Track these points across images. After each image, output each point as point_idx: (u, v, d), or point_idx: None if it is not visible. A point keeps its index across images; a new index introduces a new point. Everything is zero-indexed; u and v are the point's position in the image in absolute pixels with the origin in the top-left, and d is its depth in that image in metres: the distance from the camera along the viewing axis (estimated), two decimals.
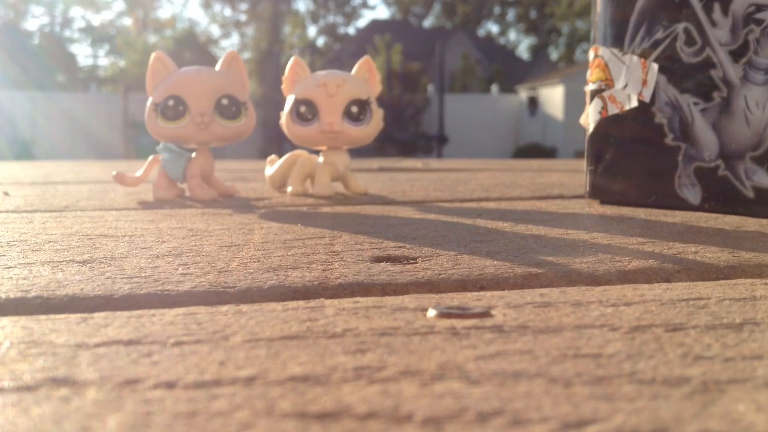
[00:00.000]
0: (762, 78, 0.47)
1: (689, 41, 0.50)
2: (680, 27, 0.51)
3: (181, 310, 0.22)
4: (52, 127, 6.56)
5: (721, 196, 0.49)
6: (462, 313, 0.21)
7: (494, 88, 9.25)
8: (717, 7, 0.49)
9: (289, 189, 0.62)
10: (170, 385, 0.15)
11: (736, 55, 0.48)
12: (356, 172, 0.76)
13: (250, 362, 0.17)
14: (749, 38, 0.47)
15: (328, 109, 0.59)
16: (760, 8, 0.47)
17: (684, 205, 0.51)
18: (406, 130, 7.88)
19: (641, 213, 0.49)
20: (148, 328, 0.20)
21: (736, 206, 0.49)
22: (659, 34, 0.52)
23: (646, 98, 0.53)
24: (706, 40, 0.49)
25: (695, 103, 0.50)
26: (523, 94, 8.83)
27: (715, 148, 0.50)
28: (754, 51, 0.47)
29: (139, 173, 0.63)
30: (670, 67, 0.51)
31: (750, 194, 0.48)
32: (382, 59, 7.85)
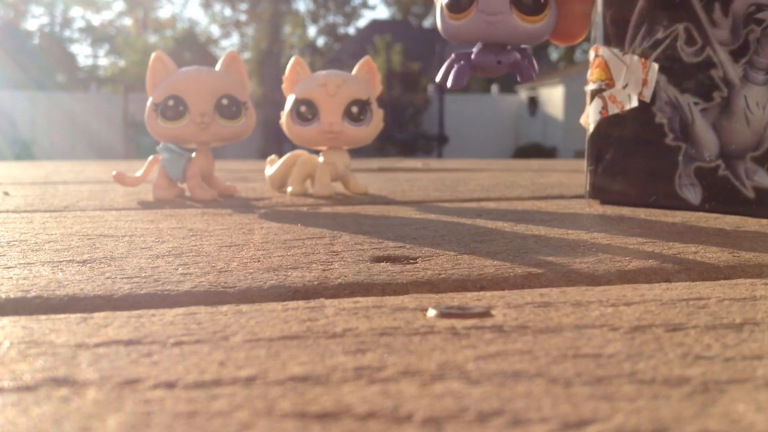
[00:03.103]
0: (762, 78, 0.47)
1: (690, 41, 0.50)
2: (681, 27, 0.51)
3: (181, 310, 0.22)
4: (52, 127, 6.55)
5: (722, 196, 0.49)
6: (462, 313, 0.21)
7: (494, 88, 9.24)
8: (717, 6, 0.49)
9: (289, 189, 0.62)
10: (170, 385, 0.15)
11: (737, 54, 0.48)
12: (356, 172, 0.76)
13: (250, 362, 0.17)
14: (749, 38, 0.47)
15: (329, 109, 0.59)
16: (760, 8, 0.47)
17: (684, 205, 0.51)
18: (406, 130, 7.87)
19: (641, 213, 0.49)
20: (148, 328, 0.20)
21: (737, 206, 0.49)
22: (660, 34, 0.52)
23: (647, 98, 0.53)
24: (707, 40, 0.49)
25: (695, 103, 0.50)
26: (523, 94, 8.83)
27: (716, 148, 0.50)
28: (755, 51, 0.47)
29: (139, 173, 0.63)
30: (671, 66, 0.51)
31: (750, 194, 0.48)
32: (382, 59, 7.85)
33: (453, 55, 0.53)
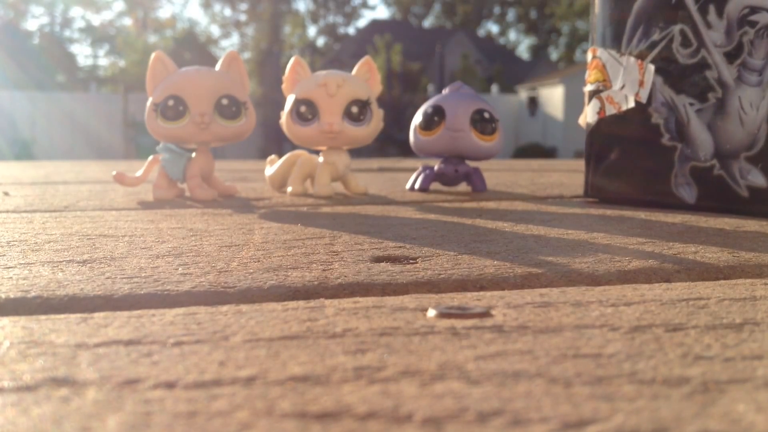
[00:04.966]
0: (756, 79, 0.47)
1: (685, 43, 0.50)
2: (676, 29, 0.51)
3: (181, 310, 0.22)
4: (52, 127, 6.54)
5: (716, 195, 0.49)
6: (462, 313, 0.21)
7: (494, 88, 9.23)
8: (712, 9, 0.49)
9: (289, 189, 0.62)
10: (170, 385, 0.15)
11: (731, 56, 0.48)
12: (356, 172, 0.76)
13: (250, 362, 0.17)
14: (743, 40, 0.47)
15: (329, 109, 0.59)
16: (754, 10, 0.47)
17: (680, 204, 0.51)
18: (406, 130, 7.86)
19: (641, 213, 0.49)
20: (148, 328, 0.20)
21: (731, 205, 0.49)
22: (656, 36, 0.52)
23: (643, 99, 0.53)
24: (702, 42, 0.49)
25: (691, 104, 0.50)
26: (523, 94, 8.83)
27: (711, 148, 0.50)
28: (748, 52, 0.47)
29: (139, 173, 0.63)
30: (667, 68, 0.51)
31: (744, 193, 0.48)
32: (382, 59, 7.85)
33: (421, 167, 0.67)
